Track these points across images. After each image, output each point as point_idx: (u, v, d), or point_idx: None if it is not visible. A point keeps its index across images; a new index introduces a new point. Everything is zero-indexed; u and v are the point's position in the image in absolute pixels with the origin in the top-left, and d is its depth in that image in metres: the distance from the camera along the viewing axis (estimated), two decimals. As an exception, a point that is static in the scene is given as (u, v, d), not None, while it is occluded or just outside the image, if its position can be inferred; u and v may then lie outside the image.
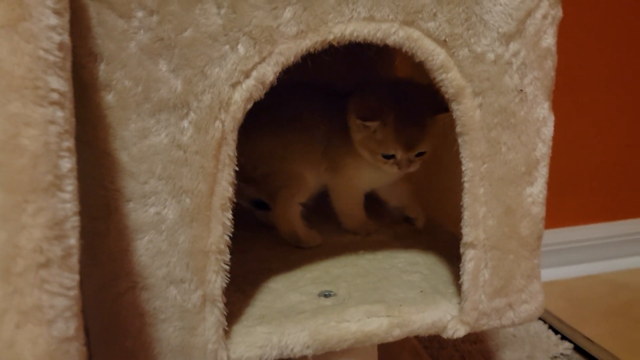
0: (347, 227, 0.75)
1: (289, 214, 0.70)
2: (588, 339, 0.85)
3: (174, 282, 0.46)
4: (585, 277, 1.06)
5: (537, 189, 0.54)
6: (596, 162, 1.10)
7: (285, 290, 0.59)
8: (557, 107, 1.13)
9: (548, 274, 1.08)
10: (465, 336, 0.91)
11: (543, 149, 0.53)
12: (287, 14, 0.43)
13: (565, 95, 1.04)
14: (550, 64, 0.51)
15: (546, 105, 0.52)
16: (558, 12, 0.50)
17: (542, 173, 0.54)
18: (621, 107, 1.08)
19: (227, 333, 0.49)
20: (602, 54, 1.04)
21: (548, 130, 0.53)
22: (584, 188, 1.11)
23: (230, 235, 0.47)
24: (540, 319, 0.95)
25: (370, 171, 0.70)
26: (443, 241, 0.70)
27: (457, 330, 0.55)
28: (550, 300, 0.97)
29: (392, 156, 0.64)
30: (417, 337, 0.88)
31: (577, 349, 0.87)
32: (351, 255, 0.68)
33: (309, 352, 0.51)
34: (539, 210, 0.54)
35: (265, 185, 0.72)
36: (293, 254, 0.68)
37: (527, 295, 0.57)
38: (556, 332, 0.91)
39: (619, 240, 1.12)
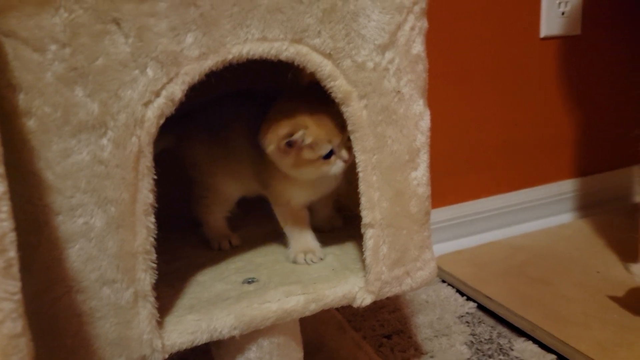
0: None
1: (208, 221, 0.76)
2: (488, 297, 0.97)
3: (106, 283, 0.51)
4: (487, 243, 1.19)
5: (420, 173, 0.63)
6: (490, 141, 1.23)
7: (212, 282, 0.65)
8: (456, 96, 1.25)
9: (456, 244, 1.21)
10: (384, 307, 1.02)
11: (422, 139, 0.62)
12: (189, 39, 0.49)
13: (462, 85, 1.17)
14: (421, 67, 0.60)
15: (421, 102, 0.61)
16: (424, 24, 0.59)
17: (424, 159, 0.63)
18: (509, 92, 1.22)
19: (160, 324, 0.55)
20: (491, 49, 1.17)
21: (425, 123, 0.62)
22: (481, 165, 1.24)
23: (156, 236, 0.53)
24: (449, 284, 1.08)
25: (300, 189, 0.69)
26: (353, 224, 0.79)
27: (364, 299, 0.64)
28: (458, 267, 1.09)
29: (331, 153, 0.63)
30: (341, 313, 0.98)
31: (480, 307, 0.99)
32: (272, 245, 0.75)
33: (236, 332, 0.58)
34: (424, 190, 0.64)
35: (193, 190, 0.77)
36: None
37: (421, 263, 0.66)
38: (462, 294, 1.04)
39: (515, 208, 1.27)
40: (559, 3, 1.19)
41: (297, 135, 0.60)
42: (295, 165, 0.63)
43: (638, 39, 1.31)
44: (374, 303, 1.01)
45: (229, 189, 0.74)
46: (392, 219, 0.63)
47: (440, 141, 1.18)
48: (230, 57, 0.51)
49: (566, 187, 1.32)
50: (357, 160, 0.60)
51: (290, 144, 0.61)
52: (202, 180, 0.75)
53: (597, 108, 1.31)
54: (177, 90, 0.49)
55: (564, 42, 1.23)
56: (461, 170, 1.22)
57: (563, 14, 1.20)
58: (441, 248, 1.20)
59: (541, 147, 1.28)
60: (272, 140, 0.61)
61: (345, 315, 0.97)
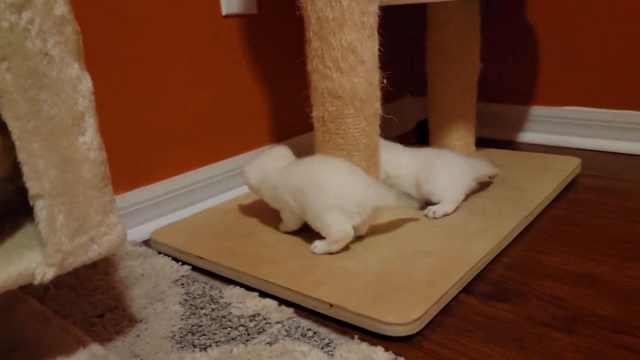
0: None
1: None
2: (200, 257, 1.03)
3: None
4: (202, 211, 1.26)
5: (89, 137, 0.63)
6: (195, 116, 1.29)
7: None
8: (158, 74, 1.26)
9: (172, 217, 1.25)
10: (96, 289, 0.99)
11: (84, 103, 0.62)
12: None
13: (162, 64, 1.18)
14: (70, 30, 0.60)
15: (76, 65, 0.61)
16: (63, -16, 0.58)
17: (90, 123, 0.63)
18: (204, 68, 1.29)
19: None
20: (182, 29, 1.22)
21: (85, 87, 0.62)
22: (189, 139, 1.29)
23: None
24: (165, 254, 1.10)
25: None
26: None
27: (45, 273, 0.61)
28: (172, 237, 1.13)
29: None
30: (47, 304, 0.91)
31: (195, 268, 1.05)
32: None
33: None
34: (96, 155, 0.64)
35: None
36: None
37: (106, 228, 0.67)
38: (178, 260, 1.08)
39: (223, 177, 1.37)
40: (235, -16, 1.31)
41: None
42: None
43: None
44: (85, 287, 0.98)
45: None
46: (64, 187, 0.61)
47: (147, 119, 1.19)
48: None
49: (266, 152, 1.48)
50: (10, 128, 0.57)
51: None
52: None
53: (280, 79, 1.50)
54: None
55: (244, 20, 1.35)
56: (170, 145, 1.25)
57: (240, -6, 1.32)
58: (158, 223, 1.22)
59: (240, 118, 1.40)
60: None
61: (52, 306, 0.92)
